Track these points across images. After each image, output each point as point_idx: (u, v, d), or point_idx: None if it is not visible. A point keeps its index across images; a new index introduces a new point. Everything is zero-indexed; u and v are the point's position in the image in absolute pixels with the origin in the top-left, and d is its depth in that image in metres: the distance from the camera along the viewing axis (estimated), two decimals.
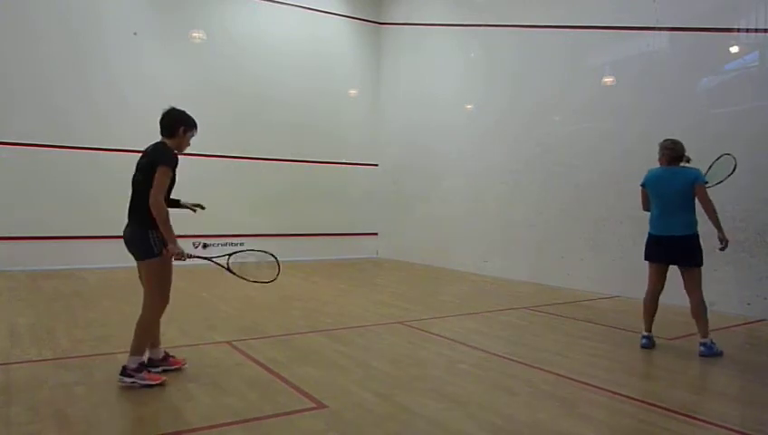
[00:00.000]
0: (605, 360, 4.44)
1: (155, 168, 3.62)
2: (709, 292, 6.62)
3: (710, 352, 4.56)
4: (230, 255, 3.97)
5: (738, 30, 6.55)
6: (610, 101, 7.97)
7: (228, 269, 3.95)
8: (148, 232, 3.66)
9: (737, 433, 3.01)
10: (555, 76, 8.78)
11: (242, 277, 3.92)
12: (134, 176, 3.80)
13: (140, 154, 3.89)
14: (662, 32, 7.28)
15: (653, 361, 4.53)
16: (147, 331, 3.72)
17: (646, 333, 4.90)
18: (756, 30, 6.38)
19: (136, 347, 3.64)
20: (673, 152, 4.75)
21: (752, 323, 6.01)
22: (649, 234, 4.91)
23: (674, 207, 4.67)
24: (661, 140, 4.90)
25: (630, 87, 7.71)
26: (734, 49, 6.67)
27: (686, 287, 4.82)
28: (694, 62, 7.01)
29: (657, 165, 4.88)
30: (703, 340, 4.63)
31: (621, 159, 7.69)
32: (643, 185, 4.98)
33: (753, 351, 5.15)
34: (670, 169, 4.76)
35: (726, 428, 3.06)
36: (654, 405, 3.39)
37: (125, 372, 3.55)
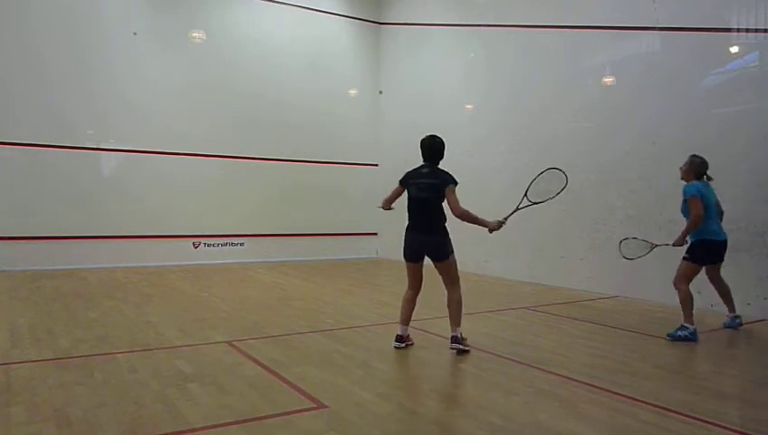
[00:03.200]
0: (605, 360, 4.44)
1: (445, 187, 4.61)
2: (709, 292, 6.65)
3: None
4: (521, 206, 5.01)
5: (738, 30, 6.55)
6: (610, 101, 7.97)
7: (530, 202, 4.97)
8: (448, 238, 4.66)
9: (737, 433, 3.01)
10: (555, 76, 8.78)
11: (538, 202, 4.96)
12: (423, 197, 4.71)
13: (410, 176, 4.85)
14: (662, 32, 7.28)
15: (653, 361, 4.53)
16: (461, 305, 4.69)
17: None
18: (756, 30, 6.38)
19: (458, 319, 4.62)
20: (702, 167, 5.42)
21: (752, 323, 6.01)
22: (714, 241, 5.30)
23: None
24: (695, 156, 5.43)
25: (630, 87, 7.71)
26: (734, 49, 6.66)
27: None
28: (694, 62, 7.00)
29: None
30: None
31: (621, 159, 7.69)
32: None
33: (753, 351, 5.15)
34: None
35: (726, 428, 3.06)
36: (654, 405, 3.39)
37: (456, 340, 4.52)
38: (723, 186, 6.61)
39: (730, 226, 6.51)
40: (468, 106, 10.57)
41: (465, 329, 5.52)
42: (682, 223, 7.25)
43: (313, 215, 11.93)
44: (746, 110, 6.51)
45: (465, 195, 12.06)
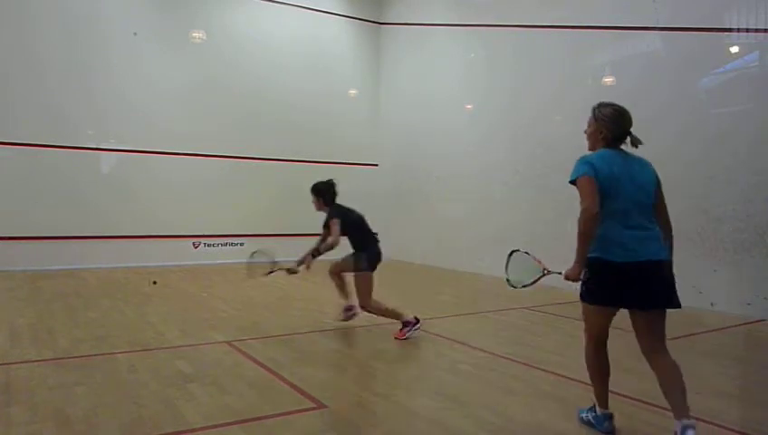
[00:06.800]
0: None
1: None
2: (709, 292, 6.66)
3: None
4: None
5: (738, 30, 6.55)
6: (610, 100, 7.95)
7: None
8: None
9: (737, 433, 3.01)
10: (555, 76, 8.78)
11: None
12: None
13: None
14: (662, 32, 7.28)
15: None
16: None
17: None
18: (756, 30, 6.38)
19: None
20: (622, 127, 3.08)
21: (752, 323, 6.01)
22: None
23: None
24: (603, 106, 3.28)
25: (630, 87, 7.70)
26: (734, 49, 6.67)
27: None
28: (694, 62, 7.01)
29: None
30: None
31: None
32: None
33: (753, 351, 5.15)
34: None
35: (726, 428, 3.07)
36: (654, 405, 3.38)
37: None
38: (723, 186, 6.63)
39: (730, 225, 6.53)
40: (468, 106, 10.57)
41: (466, 329, 5.54)
42: (684, 222, 7.27)
43: (313, 215, 11.87)
44: (746, 110, 6.51)
45: (465, 195, 12.08)
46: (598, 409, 3.03)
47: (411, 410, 3.28)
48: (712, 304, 6.59)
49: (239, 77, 11.13)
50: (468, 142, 10.41)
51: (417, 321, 5.03)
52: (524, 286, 3.19)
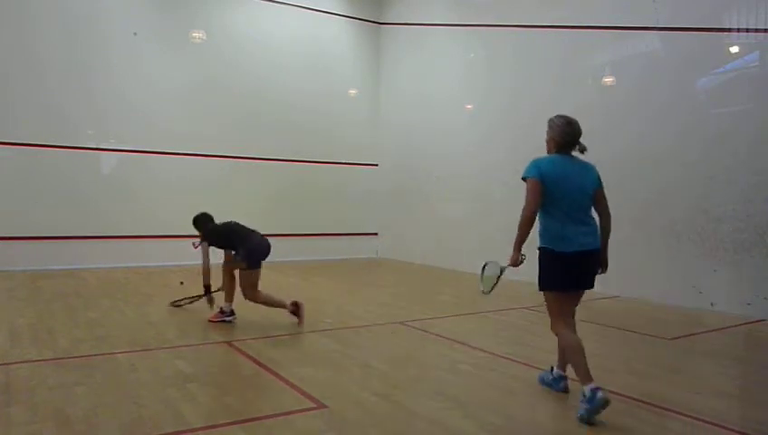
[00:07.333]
0: (605, 360, 4.44)
1: None
2: (709, 292, 6.66)
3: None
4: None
5: (738, 30, 6.55)
6: (610, 101, 7.96)
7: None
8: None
9: (737, 433, 3.01)
10: (555, 76, 8.77)
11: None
12: None
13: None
14: (662, 32, 7.29)
15: (653, 361, 4.53)
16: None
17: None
18: (756, 30, 6.38)
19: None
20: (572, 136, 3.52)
21: (752, 323, 6.01)
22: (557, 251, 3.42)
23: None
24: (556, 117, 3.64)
25: (630, 87, 7.70)
26: (734, 49, 6.67)
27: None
28: (694, 62, 7.01)
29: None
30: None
31: (621, 160, 7.69)
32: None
33: (753, 351, 5.15)
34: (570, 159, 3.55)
35: (726, 428, 3.06)
36: (654, 405, 3.39)
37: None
38: (723, 186, 6.64)
39: (730, 225, 6.53)
40: (468, 106, 10.57)
41: (466, 329, 5.54)
42: (684, 222, 7.28)
43: (313, 215, 11.92)
44: (746, 110, 6.51)
45: (465, 195, 12.02)
46: (555, 371, 3.52)
47: (411, 410, 3.28)
48: (712, 304, 6.59)
49: (239, 77, 11.13)
50: (468, 142, 10.41)
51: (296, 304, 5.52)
52: (491, 291, 3.96)
